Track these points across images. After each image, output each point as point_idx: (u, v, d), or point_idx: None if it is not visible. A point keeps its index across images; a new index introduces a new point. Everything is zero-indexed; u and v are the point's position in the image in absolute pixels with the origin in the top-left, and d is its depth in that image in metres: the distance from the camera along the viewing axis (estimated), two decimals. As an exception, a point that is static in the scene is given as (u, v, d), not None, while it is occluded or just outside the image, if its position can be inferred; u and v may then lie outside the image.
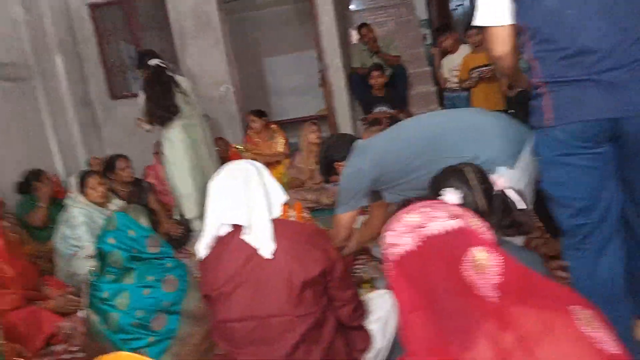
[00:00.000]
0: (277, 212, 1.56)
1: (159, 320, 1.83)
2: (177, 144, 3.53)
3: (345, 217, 2.29)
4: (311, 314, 1.44)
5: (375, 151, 2.18)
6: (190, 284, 1.96)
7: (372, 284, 2.51)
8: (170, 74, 3.61)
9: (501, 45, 1.54)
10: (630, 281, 1.51)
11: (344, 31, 5.75)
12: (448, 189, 1.46)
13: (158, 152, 3.94)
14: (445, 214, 0.95)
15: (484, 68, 4.21)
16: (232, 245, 1.50)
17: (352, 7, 6.72)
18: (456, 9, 7.21)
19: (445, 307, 0.86)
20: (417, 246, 0.92)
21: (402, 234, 0.95)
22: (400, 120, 5.07)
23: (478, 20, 1.56)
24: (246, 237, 1.47)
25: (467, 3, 6.84)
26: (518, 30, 1.51)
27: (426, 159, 1.96)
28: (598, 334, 0.80)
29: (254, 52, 7.29)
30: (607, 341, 0.80)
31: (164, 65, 3.60)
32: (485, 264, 0.87)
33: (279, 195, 1.60)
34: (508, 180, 1.66)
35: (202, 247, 1.57)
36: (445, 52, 4.92)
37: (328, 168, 2.39)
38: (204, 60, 5.41)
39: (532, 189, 1.86)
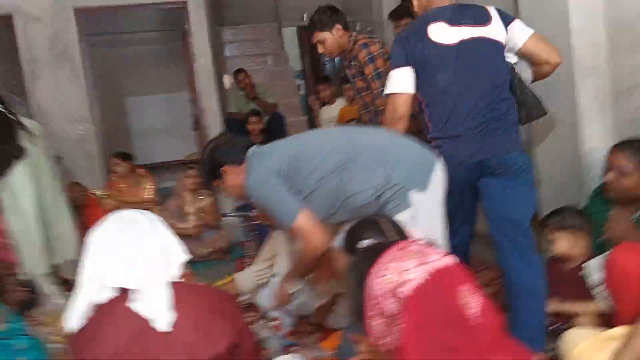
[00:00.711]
0: (176, 273, 1.28)
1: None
2: (19, 190, 2.97)
3: (303, 219, 1.83)
4: None
5: (282, 149, 1.98)
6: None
7: (264, 346, 2.31)
8: (13, 117, 3.02)
9: (402, 108, 1.97)
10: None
11: (219, 75, 5.61)
12: (366, 241, 1.39)
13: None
14: (414, 261, 0.94)
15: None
16: (117, 316, 1.19)
17: (226, 53, 6.62)
18: (326, 63, 7.53)
19: (444, 336, 0.90)
20: (408, 300, 0.91)
21: (386, 299, 0.91)
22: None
23: (389, 89, 2.00)
24: (136, 305, 1.19)
25: (336, 60, 7.19)
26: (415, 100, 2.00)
27: (338, 163, 1.85)
28: None
29: (119, 90, 6.76)
30: None
31: (3, 110, 3.01)
32: (467, 303, 0.92)
33: (179, 253, 1.32)
34: (423, 230, 1.65)
35: (73, 317, 1.23)
36: (323, 103, 5.03)
37: (213, 171, 2.03)
38: (59, 95, 4.81)
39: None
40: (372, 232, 1.56)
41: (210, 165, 2.05)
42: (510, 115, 1.95)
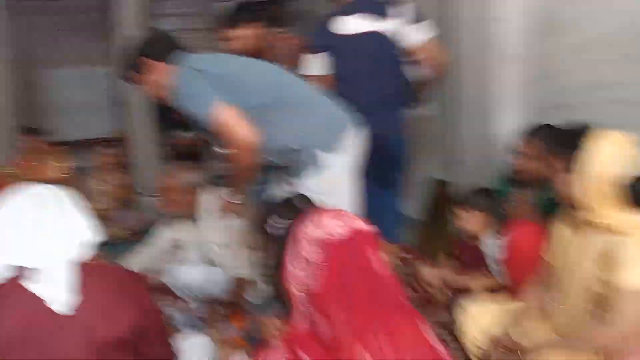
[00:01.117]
0: (81, 253, 1.20)
1: None
2: None
3: (225, 111, 1.78)
4: None
5: (215, 62, 1.98)
6: None
7: (171, 324, 2.26)
8: None
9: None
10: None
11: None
12: (278, 219, 1.38)
13: None
14: (336, 221, 1.03)
15: None
16: (15, 296, 1.13)
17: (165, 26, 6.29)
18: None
19: (358, 287, 0.97)
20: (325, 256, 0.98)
21: (310, 247, 0.99)
22: (206, 146, 4.93)
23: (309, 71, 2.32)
24: (34, 285, 1.12)
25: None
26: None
27: (263, 104, 1.88)
28: (433, 339, 1.06)
29: (33, 61, 6.29)
30: (439, 344, 1.06)
31: None
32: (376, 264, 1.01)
33: (86, 232, 1.23)
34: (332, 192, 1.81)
35: None
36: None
37: (133, 63, 1.95)
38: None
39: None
40: (284, 209, 1.55)
41: (134, 56, 1.96)
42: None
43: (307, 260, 0.98)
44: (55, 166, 4.11)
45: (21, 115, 5.00)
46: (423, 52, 2.30)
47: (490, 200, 2.01)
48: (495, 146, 2.50)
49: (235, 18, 2.55)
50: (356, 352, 0.93)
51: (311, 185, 1.87)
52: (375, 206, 2.47)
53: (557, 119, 2.07)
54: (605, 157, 1.33)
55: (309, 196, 1.67)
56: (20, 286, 1.13)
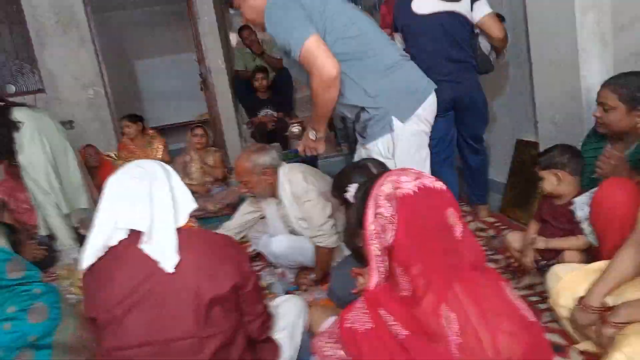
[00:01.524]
0: (184, 220, 1.34)
1: (23, 359, 1.52)
2: (29, 144, 3.14)
3: (313, 43, 1.73)
4: (220, 333, 1.27)
5: None
6: (64, 310, 1.67)
7: (270, 290, 2.43)
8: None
9: None
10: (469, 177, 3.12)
11: (225, 33, 5.58)
12: (352, 185, 1.44)
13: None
14: (410, 177, 1.04)
15: None
16: (128, 257, 1.26)
17: (232, 10, 6.53)
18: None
19: (434, 242, 0.99)
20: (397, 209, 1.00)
21: (384, 202, 1.01)
22: (286, 124, 5.07)
23: None
24: (145, 247, 1.25)
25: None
26: None
27: (351, 49, 1.86)
28: (520, 304, 1.04)
29: (125, 54, 6.78)
30: (526, 309, 1.05)
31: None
32: (454, 224, 1.01)
33: (188, 203, 1.38)
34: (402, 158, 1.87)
35: (87, 257, 1.30)
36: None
37: None
38: (68, 61, 4.88)
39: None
40: (360, 176, 1.60)
41: None
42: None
43: (382, 216, 1.00)
44: (157, 148, 4.46)
45: (120, 104, 5.44)
46: (483, 27, 2.65)
47: (574, 158, 1.92)
48: (584, 101, 2.37)
49: None
50: (436, 306, 0.94)
51: (383, 150, 1.91)
52: (466, 169, 3.11)
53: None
54: None
55: (382, 161, 1.71)
56: (134, 247, 1.25)
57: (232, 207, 4.04)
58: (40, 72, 4.87)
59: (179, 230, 1.30)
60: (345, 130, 4.57)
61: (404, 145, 1.90)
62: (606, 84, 1.86)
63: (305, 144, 2.10)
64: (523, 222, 2.78)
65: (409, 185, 1.02)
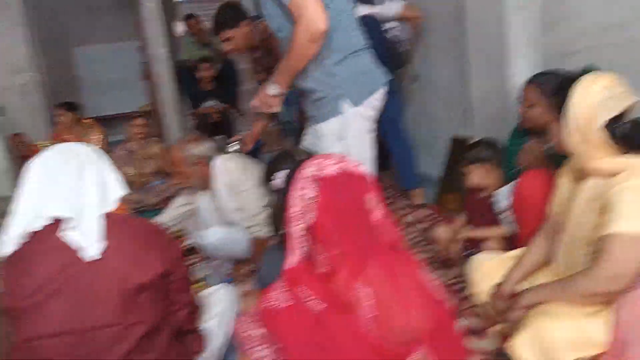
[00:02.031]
0: (111, 206, 1.31)
1: None
2: None
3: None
4: (146, 320, 1.25)
5: None
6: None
7: (205, 282, 2.41)
8: None
9: None
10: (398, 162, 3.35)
11: (169, 22, 5.44)
12: (279, 173, 1.45)
13: None
14: (333, 160, 1.08)
15: None
16: (50, 243, 1.22)
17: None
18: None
19: (353, 222, 1.02)
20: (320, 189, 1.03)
21: (306, 185, 1.04)
22: (230, 116, 5.02)
23: None
24: (70, 233, 1.21)
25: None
26: None
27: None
28: (431, 284, 1.11)
29: (63, 39, 6.47)
30: (437, 289, 1.11)
31: None
32: (373, 207, 1.05)
33: (117, 188, 1.34)
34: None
35: (6, 244, 1.24)
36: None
37: None
38: (-2, 44, 4.62)
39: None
40: (288, 163, 1.62)
41: None
42: None
43: (303, 198, 1.03)
44: (94, 139, 4.29)
45: (56, 92, 5.20)
46: (404, 17, 3.08)
47: (495, 152, 2.02)
48: (513, 98, 2.49)
49: (217, 24, 2.54)
50: (351, 281, 0.98)
51: (333, 131, 1.92)
52: (394, 155, 3.35)
53: (571, 65, 2.04)
54: (591, 101, 1.33)
55: (307, 148, 1.73)
56: (55, 234, 1.21)
57: (168, 202, 4.00)
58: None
59: (106, 216, 1.26)
60: (291, 125, 4.58)
61: (355, 129, 1.92)
62: (529, 82, 1.96)
63: (262, 100, 2.03)
64: (455, 214, 2.90)
65: (331, 169, 1.05)
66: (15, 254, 1.24)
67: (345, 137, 1.91)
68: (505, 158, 2.05)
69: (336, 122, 1.91)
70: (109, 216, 1.27)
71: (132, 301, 1.23)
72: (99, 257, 1.20)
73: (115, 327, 1.21)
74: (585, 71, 1.40)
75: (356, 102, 1.91)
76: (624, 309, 1.29)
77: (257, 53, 2.76)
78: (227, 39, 2.53)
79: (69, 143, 1.37)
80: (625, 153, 1.36)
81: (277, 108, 2.03)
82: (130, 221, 1.37)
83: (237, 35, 2.51)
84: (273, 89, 1.96)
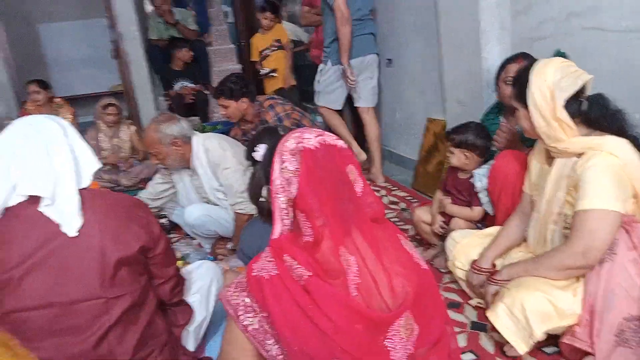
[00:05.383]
0: (87, 181, 1.29)
1: None
2: None
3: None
4: (128, 294, 1.26)
5: None
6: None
7: (185, 260, 2.41)
8: None
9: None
10: None
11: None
12: (261, 145, 1.46)
13: None
14: (313, 134, 1.09)
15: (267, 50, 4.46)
16: (27, 220, 1.19)
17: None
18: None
19: (335, 192, 1.03)
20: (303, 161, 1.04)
21: (288, 157, 1.04)
22: (205, 96, 4.95)
23: None
24: (46, 209, 1.19)
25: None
26: None
27: None
28: (415, 254, 1.14)
29: (28, 16, 6.23)
30: (420, 258, 1.14)
31: None
32: (354, 180, 1.07)
33: (91, 162, 1.31)
34: None
35: None
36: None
37: None
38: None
39: None
40: (269, 138, 1.63)
41: None
42: None
43: (287, 170, 1.04)
44: (65, 118, 4.16)
45: (21, 69, 5.02)
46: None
47: (477, 136, 2.07)
48: (485, 80, 2.55)
49: (221, 91, 2.81)
50: (335, 249, 1.00)
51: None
52: None
53: (539, 50, 2.11)
54: (547, 85, 1.39)
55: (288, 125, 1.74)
56: (34, 209, 1.19)
57: (147, 182, 3.94)
58: None
59: (82, 191, 1.25)
60: None
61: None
62: (508, 62, 2.02)
63: (349, 82, 3.30)
64: (431, 196, 2.96)
65: (311, 142, 1.06)
66: None
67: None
68: (489, 147, 2.09)
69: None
70: (86, 191, 1.26)
71: (113, 275, 1.23)
72: (77, 234, 1.19)
73: (96, 300, 1.21)
74: (557, 55, 1.46)
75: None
76: (592, 281, 1.37)
77: (247, 125, 2.93)
78: (224, 106, 2.81)
79: (32, 117, 1.30)
80: (588, 132, 1.42)
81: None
82: (107, 195, 1.35)
83: (234, 107, 2.79)
84: (349, 71, 3.28)
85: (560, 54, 1.69)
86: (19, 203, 1.21)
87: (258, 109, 2.85)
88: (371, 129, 3.48)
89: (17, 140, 1.23)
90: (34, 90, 4.14)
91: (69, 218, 1.20)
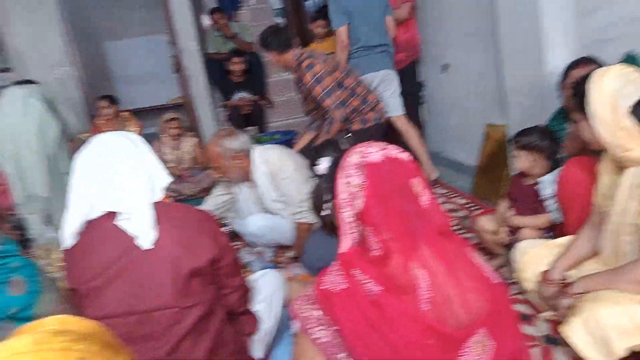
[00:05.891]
0: (160, 195, 1.36)
1: (4, 330, 1.52)
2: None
3: (341, 29, 3.32)
4: (199, 304, 1.30)
5: None
6: (43, 284, 1.66)
7: (248, 268, 2.46)
8: None
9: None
10: None
11: (196, 15, 5.48)
12: (323, 159, 1.46)
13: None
14: (376, 147, 1.08)
15: None
16: (106, 233, 1.27)
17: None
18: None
19: (401, 206, 1.02)
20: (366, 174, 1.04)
21: (352, 173, 1.04)
22: (261, 107, 5.06)
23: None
24: (123, 223, 1.26)
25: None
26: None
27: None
28: (485, 267, 1.10)
29: (95, 34, 6.59)
30: (490, 272, 1.10)
31: None
32: (420, 192, 1.05)
33: (162, 176, 1.38)
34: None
35: (67, 235, 1.30)
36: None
37: None
38: (35, 40, 4.73)
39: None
40: (331, 151, 1.65)
41: None
42: None
43: (351, 185, 1.03)
44: (131, 131, 4.37)
45: (91, 86, 5.31)
46: None
47: (543, 138, 2.00)
48: (549, 84, 2.46)
49: (267, 44, 3.03)
50: (405, 263, 0.98)
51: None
52: None
53: (607, 53, 2.02)
54: (608, 94, 1.32)
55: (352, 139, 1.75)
56: (112, 223, 1.26)
57: (208, 191, 4.06)
58: (7, 52, 4.72)
59: (155, 204, 1.31)
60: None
61: None
62: (575, 67, 1.95)
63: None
64: (493, 203, 2.88)
65: (375, 156, 1.06)
66: (77, 244, 1.30)
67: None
68: (557, 149, 2.02)
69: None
70: (159, 205, 1.32)
71: (186, 285, 1.27)
72: (152, 246, 1.25)
73: (170, 310, 1.26)
74: (628, 57, 1.39)
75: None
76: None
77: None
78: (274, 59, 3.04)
79: (112, 133, 1.39)
80: None
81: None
82: (179, 208, 1.42)
83: (281, 59, 3.00)
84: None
85: (630, 57, 1.61)
86: (99, 217, 1.29)
87: (297, 65, 2.97)
88: (408, 134, 3.47)
89: (93, 159, 1.32)
90: (104, 106, 4.36)
91: (144, 231, 1.26)
